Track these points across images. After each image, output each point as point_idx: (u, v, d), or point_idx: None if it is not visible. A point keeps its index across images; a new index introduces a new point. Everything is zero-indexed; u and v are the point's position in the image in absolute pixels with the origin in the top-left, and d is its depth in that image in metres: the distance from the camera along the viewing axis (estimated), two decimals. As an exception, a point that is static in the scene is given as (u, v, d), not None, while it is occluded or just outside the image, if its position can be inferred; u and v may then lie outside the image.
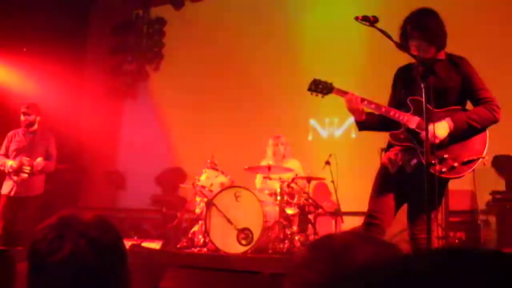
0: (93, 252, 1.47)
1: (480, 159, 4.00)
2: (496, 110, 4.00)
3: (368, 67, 8.62)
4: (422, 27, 4.04)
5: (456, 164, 4.02)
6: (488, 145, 4.03)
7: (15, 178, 7.04)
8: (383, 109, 4.28)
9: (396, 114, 4.20)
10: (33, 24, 9.81)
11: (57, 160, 7.46)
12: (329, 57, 9.11)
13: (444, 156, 4.03)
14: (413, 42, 4.07)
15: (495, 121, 4.02)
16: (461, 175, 4.04)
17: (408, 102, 4.21)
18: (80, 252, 1.45)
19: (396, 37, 4.04)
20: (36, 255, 1.48)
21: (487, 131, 4.06)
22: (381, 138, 7.54)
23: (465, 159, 4.02)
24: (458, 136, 4.05)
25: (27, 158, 7.07)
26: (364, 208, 7.85)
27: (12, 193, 7.06)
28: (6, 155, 7.27)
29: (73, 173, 9.98)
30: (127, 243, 6.27)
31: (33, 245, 1.50)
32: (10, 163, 7.08)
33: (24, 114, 7.25)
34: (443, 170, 4.02)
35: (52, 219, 1.53)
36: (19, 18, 9.65)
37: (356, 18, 3.98)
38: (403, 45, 3.97)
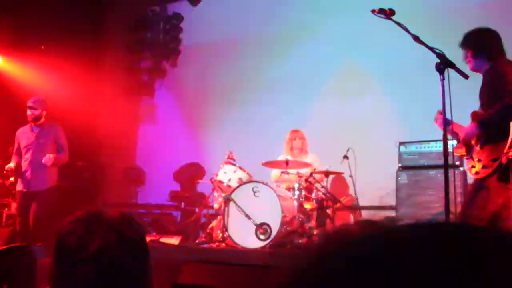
0: (120, 247, 1.48)
1: (504, 155, 4.10)
2: None
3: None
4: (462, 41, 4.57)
5: (486, 163, 4.25)
6: None
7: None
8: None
9: (456, 129, 4.59)
10: (51, 23, 9.87)
11: (73, 155, 7.46)
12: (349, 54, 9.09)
13: (478, 159, 4.33)
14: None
15: (510, 110, 4.10)
16: (490, 172, 4.24)
17: (471, 115, 4.60)
18: (109, 247, 1.46)
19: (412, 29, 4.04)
20: (65, 250, 1.48)
21: (511, 127, 4.11)
22: (399, 132, 7.55)
23: (492, 157, 4.22)
24: (486, 136, 4.30)
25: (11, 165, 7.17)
26: (382, 202, 7.87)
27: (25, 189, 7.11)
28: (18, 154, 7.33)
29: (92, 170, 10.05)
30: (146, 239, 6.28)
31: (61, 240, 1.50)
32: (11, 164, 7.19)
33: (30, 108, 7.24)
34: (477, 171, 4.34)
35: (79, 214, 1.54)
36: (37, 17, 9.73)
37: (373, 11, 3.99)
38: (419, 38, 3.96)
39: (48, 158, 7.04)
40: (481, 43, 4.49)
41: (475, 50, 4.47)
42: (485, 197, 4.24)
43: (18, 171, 7.17)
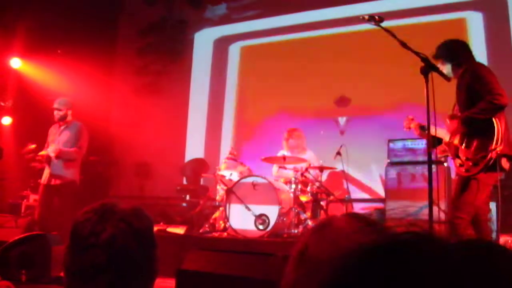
0: (130, 236, 1.51)
1: (493, 151, 4.11)
2: (495, 98, 4.12)
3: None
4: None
5: (476, 160, 4.24)
6: (501, 135, 4.11)
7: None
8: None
9: (436, 132, 4.46)
10: (67, 28, 9.89)
11: (87, 150, 7.39)
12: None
13: (466, 157, 4.30)
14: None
15: (493, 107, 4.13)
16: (481, 168, 4.23)
17: (447, 118, 4.60)
18: (119, 236, 1.49)
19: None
20: (79, 235, 1.51)
21: (495, 123, 4.14)
22: (388, 131, 7.55)
23: (481, 154, 4.21)
24: (471, 135, 4.29)
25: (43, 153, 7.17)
26: (372, 195, 7.88)
27: (47, 181, 7.12)
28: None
29: (104, 165, 10.08)
30: (154, 229, 6.29)
31: (76, 227, 1.53)
32: (43, 152, 7.18)
33: (55, 109, 7.26)
34: (467, 169, 4.31)
35: (94, 205, 1.57)
36: (54, 22, 9.75)
37: (363, 18, 3.98)
38: (405, 44, 3.97)
39: (53, 149, 7.01)
40: (450, 52, 4.55)
41: (446, 58, 4.53)
42: (474, 191, 4.25)
43: (48, 160, 7.17)
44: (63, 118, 7.27)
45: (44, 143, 7.39)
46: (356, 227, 1.01)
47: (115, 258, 1.48)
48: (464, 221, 4.24)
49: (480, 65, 4.45)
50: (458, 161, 4.40)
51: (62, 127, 7.30)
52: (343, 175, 7.32)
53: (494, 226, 6.06)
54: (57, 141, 7.20)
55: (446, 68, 4.51)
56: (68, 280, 1.54)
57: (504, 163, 4.24)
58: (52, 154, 7.02)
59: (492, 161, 4.13)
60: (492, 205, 6.25)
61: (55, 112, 7.26)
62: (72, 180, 7.15)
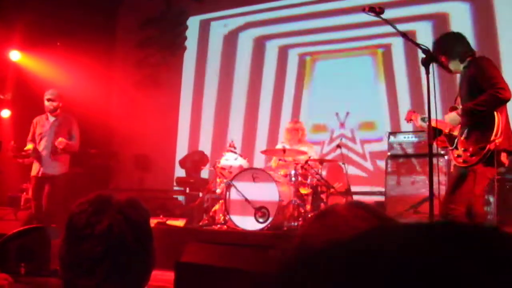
0: (127, 227, 1.50)
1: (491, 142, 4.09)
2: (498, 91, 4.12)
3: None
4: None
5: (474, 152, 4.22)
6: (501, 128, 4.10)
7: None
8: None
9: (436, 124, 4.43)
10: (67, 21, 9.87)
11: (81, 142, 7.36)
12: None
13: (464, 148, 4.29)
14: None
15: (496, 101, 4.14)
16: (478, 159, 4.20)
17: (449, 110, 4.58)
18: (115, 227, 1.48)
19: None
20: (75, 227, 1.50)
21: (496, 116, 4.15)
22: (388, 123, 7.54)
23: (480, 146, 4.19)
24: (469, 126, 4.29)
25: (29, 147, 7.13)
26: (372, 187, 7.86)
27: (40, 173, 7.10)
28: (33, 140, 7.28)
29: (104, 157, 10.07)
30: (154, 221, 6.30)
31: (72, 218, 1.52)
32: (29, 146, 7.15)
33: (49, 100, 7.22)
34: (465, 160, 4.28)
35: (90, 196, 1.56)
36: (53, 15, 9.72)
37: (363, 10, 3.95)
38: (406, 35, 3.94)
39: (60, 141, 7.00)
40: (451, 47, 4.48)
41: (448, 54, 4.47)
42: (472, 181, 4.23)
43: (36, 153, 7.15)
44: (55, 110, 7.25)
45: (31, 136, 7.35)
46: (356, 214, 1.00)
47: (111, 249, 1.47)
48: (458, 213, 4.22)
49: (484, 58, 4.41)
50: (456, 152, 4.38)
51: (52, 119, 7.26)
52: (343, 167, 7.30)
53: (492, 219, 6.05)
54: (49, 134, 7.16)
55: (451, 65, 4.49)
56: (64, 272, 1.52)
57: (504, 158, 4.22)
58: (61, 146, 7.00)
59: (490, 152, 4.11)
60: (491, 199, 6.25)
61: (49, 103, 7.21)
62: (65, 172, 7.15)
